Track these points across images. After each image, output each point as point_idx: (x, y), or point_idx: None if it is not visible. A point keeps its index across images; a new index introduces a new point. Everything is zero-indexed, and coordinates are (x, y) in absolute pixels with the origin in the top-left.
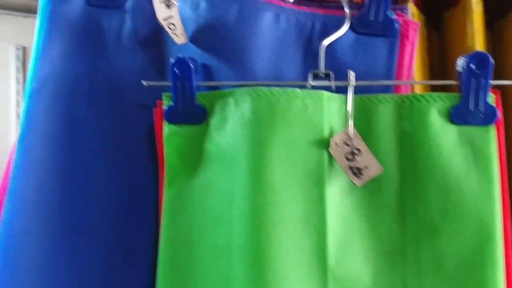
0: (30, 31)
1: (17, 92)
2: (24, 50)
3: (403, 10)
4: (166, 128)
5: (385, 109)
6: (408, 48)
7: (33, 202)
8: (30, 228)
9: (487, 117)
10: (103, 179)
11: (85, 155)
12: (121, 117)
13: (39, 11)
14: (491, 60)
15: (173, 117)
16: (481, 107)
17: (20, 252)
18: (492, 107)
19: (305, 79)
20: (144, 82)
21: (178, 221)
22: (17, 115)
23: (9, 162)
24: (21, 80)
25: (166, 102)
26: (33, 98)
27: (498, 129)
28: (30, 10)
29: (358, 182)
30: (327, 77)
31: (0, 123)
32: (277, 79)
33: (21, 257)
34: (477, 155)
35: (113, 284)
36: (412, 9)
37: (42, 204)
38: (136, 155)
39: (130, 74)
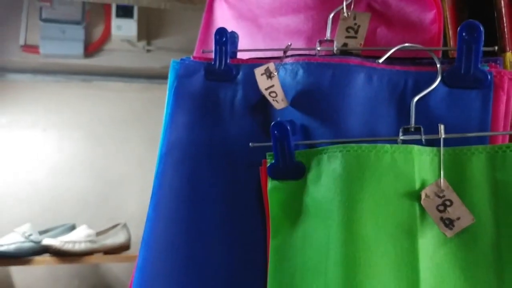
0: None
1: None
2: None
3: (497, 61)
4: (270, 184)
5: (477, 160)
6: (503, 98)
7: (163, 248)
8: (160, 272)
9: None
10: (220, 231)
11: (205, 210)
12: (234, 176)
13: (168, 88)
14: None
15: (275, 173)
16: None
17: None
18: None
19: (395, 133)
20: (250, 144)
21: (283, 268)
22: None
23: None
24: None
25: (269, 160)
26: (163, 160)
27: None
28: None
29: (449, 233)
30: (418, 131)
31: None
32: (371, 136)
33: None
34: None
35: None
36: (510, 58)
37: (170, 251)
38: (247, 210)
39: (241, 138)
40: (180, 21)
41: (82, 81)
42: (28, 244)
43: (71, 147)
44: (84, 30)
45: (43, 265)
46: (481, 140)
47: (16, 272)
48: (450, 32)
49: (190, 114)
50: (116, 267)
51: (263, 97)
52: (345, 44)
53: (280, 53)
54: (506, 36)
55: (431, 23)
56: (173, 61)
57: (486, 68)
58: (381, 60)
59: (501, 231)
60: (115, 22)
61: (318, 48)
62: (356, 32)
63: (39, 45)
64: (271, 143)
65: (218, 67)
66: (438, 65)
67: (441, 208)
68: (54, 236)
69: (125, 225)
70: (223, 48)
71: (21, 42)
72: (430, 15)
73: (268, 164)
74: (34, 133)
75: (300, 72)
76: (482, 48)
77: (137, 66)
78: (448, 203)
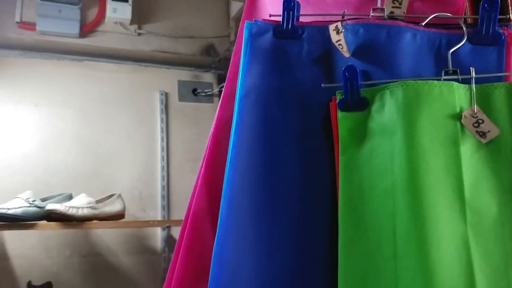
0: (171, 78)
1: (162, 129)
2: (166, 95)
3: (508, 26)
4: (340, 115)
5: (499, 93)
6: None
7: (246, 180)
8: (245, 201)
9: None
10: (295, 161)
11: (281, 145)
12: (303, 113)
13: (243, 43)
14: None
15: (344, 106)
16: None
17: (237, 223)
18: None
19: (439, 75)
20: (322, 85)
21: (351, 178)
22: (162, 148)
23: (201, 166)
24: (164, 120)
25: (339, 97)
26: (241, 102)
27: None
28: (168, 62)
29: (484, 141)
30: (455, 73)
31: (147, 156)
32: (418, 77)
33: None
34: None
35: (306, 234)
36: None
37: (251, 187)
38: (317, 138)
39: (307, 83)
40: (171, 7)
41: (74, 61)
42: (33, 209)
43: (63, 123)
44: (80, 11)
45: (47, 230)
46: (498, 79)
47: (9, 240)
48: (467, 5)
49: (262, 64)
50: (106, 236)
51: (325, 50)
52: (391, 12)
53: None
54: None
55: (459, 0)
56: (247, 22)
57: (501, 31)
58: (423, 23)
59: None
60: (111, 5)
61: (372, 14)
62: (400, 3)
63: (35, 22)
64: (338, 84)
65: (286, 27)
66: (464, 29)
67: (476, 125)
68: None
69: (120, 195)
70: (291, 12)
71: (17, 18)
72: None
73: (338, 100)
74: (27, 108)
75: (361, 30)
76: (498, 16)
77: (128, 48)
78: (480, 121)
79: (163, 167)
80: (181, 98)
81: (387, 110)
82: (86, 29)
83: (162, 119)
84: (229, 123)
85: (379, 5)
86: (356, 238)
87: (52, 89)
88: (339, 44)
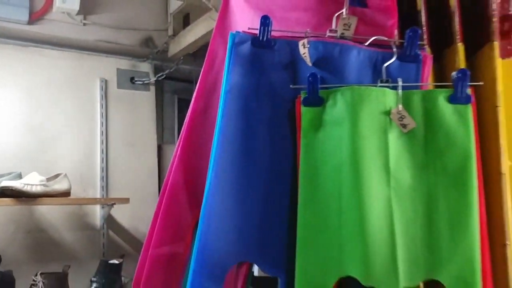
0: (111, 67)
1: (101, 114)
2: (106, 82)
3: (423, 49)
4: (303, 109)
5: (416, 97)
6: (426, 69)
7: (229, 157)
8: (227, 172)
9: (467, 100)
10: (266, 142)
11: (256, 129)
12: (274, 106)
13: (228, 49)
14: (468, 72)
15: (306, 103)
16: (464, 96)
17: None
18: (469, 95)
19: (375, 83)
20: (291, 86)
21: (309, 155)
22: (101, 132)
23: (177, 148)
24: (104, 106)
25: (303, 95)
26: (226, 95)
27: (473, 106)
28: (109, 51)
29: (404, 130)
30: (387, 82)
31: (88, 140)
32: (360, 83)
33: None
34: (462, 118)
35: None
36: (427, 49)
37: (233, 161)
38: (285, 127)
39: (278, 83)
40: (115, 0)
41: (20, 46)
42: None
43: (8, 106)
44: None
45: (1, 206)
46: (416, 88)
47: None
48: (397, 31)
49: (243, 67)
50: (49, 214)
51: (292, 59)
52: (342, 33)
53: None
54: (456, 30)
55: (391, 26)
56: (231, 33)
57: (419, 52)
58: (366, 43)
59: (426, 130)
60: None
61: (328, 34)
62: (349, 27)
63: None
64: (303, 86)
65: (262, 39)
66: (394, 49)
67: (400, 119)
68: None
69: (66, 175)
70: (266, 28)
71: None
72: (391, 22)
73: (302, 98)
74: None
75: (320, 46)
76: (418, 42)
77: (74, 37)
78: (403, 117)
79: (102, 150)
80: (120, 85)
81: (338, 106)
82: (35, 17)
83: (102, 105)
84: (200, 115)
85: (333, 27)
86: (312, 199)
87: None
88: (304, 56)
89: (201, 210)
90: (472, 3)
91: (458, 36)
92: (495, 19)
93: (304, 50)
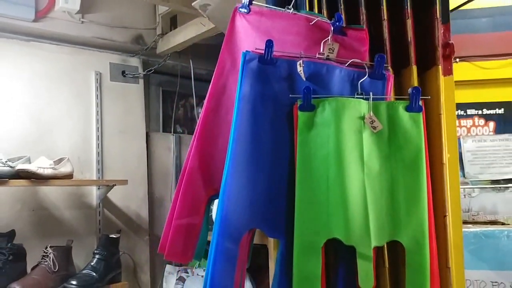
0: (104, 61)
1: (96, 104)
2: (100, 75)
3: (388, 69)
4: (299, 113)
5: (382, 106)
6: (390, 84)
7: (242, 148)
8: (242, 159)
9: (419, 109)
10: (271, 136)
11: (263, 127)
12: (276, 110)
13: (240, 65)
14: (420, 89)
15: (302, 108)
16: (417, 106)
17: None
18: (421, 106)
19: (353, 95)
20: (290, 95)
21: (305, 149)
22: (96, 120)
23: (193, 139)
24: (99, 96)
25: (299, 103)
26: (239, 102)
27: (423, 114)
28: (104, 47)
29: (374, 131)
30: (361, 94)
31: (84, 127)
32: (342, 95)
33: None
34: (416, 122)
35: (276, 181)
36: (390, 69)
37: (246, 150)
38: (285, 126)
39: (279, 92)
40: (110, 1)
41: (23, 40)
42: (6, 168)
43: (12, 95)
44: None
45: (17, 186)
46: (382, 99)
47: None
48: (369, 55)
49: (252, 79)
50: (51, 194)
51: (290, 74)
52: (328, 56)
53: (291, 54)
54: (411, 56)
55: (364, 52)
56: (243, 52)
57: (385, 72)
58: (346, 65)
59: (390, 131)
60: None
61: (317, 56)
62: (333, 51)
63: None
64: (299, 96)
65: (266, 58)
66: (366, 69)
67: (371, 122)
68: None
69: (68, 159)
70: (270, 49)
71: None
72: (364, 48)
73: (298, 105)
74: None
75: (312, 65)
76: (384, 64)
77: (72, 34)
78: (374, 120)
79: (98, 136)
80: (112, 78)
81: (326, 112)
82: (40, 15)
83: (96, 96)
84: (212, 113)
85: (321, 50)
86: (306, 180)
87: (2, 64)
88: (300, 72)
89: (221, 188)
90: (424, 34)
91: (412, 60)
92: (439, 48)
93: (300, 68)
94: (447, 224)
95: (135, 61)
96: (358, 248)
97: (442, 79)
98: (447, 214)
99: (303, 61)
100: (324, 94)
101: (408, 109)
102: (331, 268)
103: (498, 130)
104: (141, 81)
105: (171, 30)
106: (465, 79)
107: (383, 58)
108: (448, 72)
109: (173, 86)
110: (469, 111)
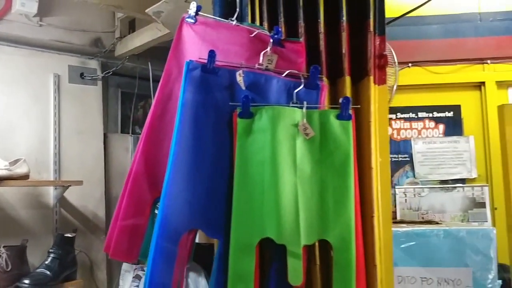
0: (63, 63)
1: (54, 106)
2: (59, 77)
3: (322, 79)
4: (238, 120)
5: (315, 115)
6: (323, 94)
7: (184, 152)
8: (182, 163)
9: (349, 118)
10: (211, 142)
11: (204, 132)
12: (217, 116)
13: (184, 73)
14: (350, 99)
15: (241, 115)
16: (347, 114)
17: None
18: (350, 114)
19: (288, 104)
20: (230, 103)
21: (243, 154)
22: (54, 121)
23: (139, 144)
24: (57, 98)
25: (238, 110)
26: (182, 107)
27: (352, 122)
28: (62, 49)
29: (307, 138)
30: (296, 103)
31: (42, 128)
32: (278, 104)
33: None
34: (345, 130)
35: (215, 184)
36: (325, 79)
37: (187, 155)
38: (225, 132)
39: (220, 100)
40: (68, 4)
41: None
42: None
43: None
44: None
45: None
46: (316, 108)
47: None
48: (305, 66)
49: (194, 86)
50: (7, 194)
51: (230, 83)
52: (267, 66)
53: (233, 64)
54: (345, 67)
55: (301, 63)
56: (186, 61)
57: (319, 82)
58: (283, 75)
59: (321, 136)
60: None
61: (257, 66)
62: (272, 62)
63: None
64: (238, 103)
65: (208, 67)
66: (302, 79)
67: (304, 129)
68: None
69: (25, 160)
70: (212, 59)
71: None
72: (301, 60)
73: (238, 112)
74: None
75: (251, 75)
76: (318, 75)
77: (30, 37)
78: (307, 127)
79: (55, 137)
80: (71, 80)
81: (263, 119)
82: None
83: (55, 97)
84: (158, 118)
85: (261, 61)
86: (243, 182)
87: None
88: (240, 82)
89: (163, 190)
90: (359, 46)
91: (346, 71)
92: (372, 60)
93: (240, 78)
94: (375, 224)
95: (93, 64)
96: (288, 247)
97: (374, 88)
98: (374, 214)
99: (243, 71)
100: (262, 102)
101: (339, 117)
102: (266, 266)
103: (447, 133)
104: (100, 83)
105: (129, 33)
106: (417, 83)
107: (317, 69)
108: (382, 81)
109: (132, 88)
110: (420, 114)
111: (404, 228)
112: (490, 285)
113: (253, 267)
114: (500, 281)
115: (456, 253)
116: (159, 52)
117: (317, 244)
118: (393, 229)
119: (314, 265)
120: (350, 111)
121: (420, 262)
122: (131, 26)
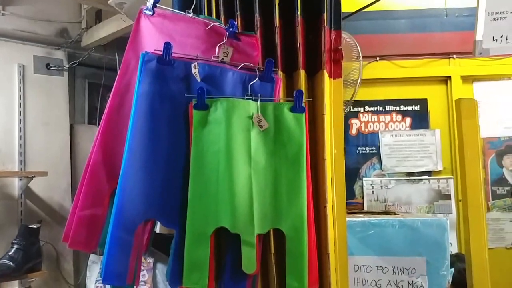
0: (28, 54)
1: (19, 96)
2: (23, 67)
3: (277, 73)
4: (193, 112)
5: (270, 107)
6: (278, 87)
7: (139, 143)
8: (138, 154)
9: (302, 110)
10: (167, 133)
11: (160, 123)
12: (173, 108)
13: (139, 64)
14: (303, 92)
15: (196, 107)
16: (300, 107)
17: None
18: (303, 107)
19: (243, 96)
20: (186, 95)
21: (198, 145)
22: (19, 112)
23: (97, 135)
24: (22, 89)
25: (194, 102)
26: (138, 99)
27: (306, 115)
28: (27, 39)
29: (261, 129)
30: (251, 96)
31: (6, 119)
32: (234, 96)
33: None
34: (299, 122)
35: (171, 175)
36: (280, 73)
37: (142, 146)
38: (180, 123)
39: (176, 91)
40: None
41: None
42: None
43: None
44: None
45: None
46: (271, 101)
47: None
48: (261, 60)
49: (150, 78)
50: None
51: (186, 75)
52: (223, 59)
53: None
54: (300, 61)
55: (256, 56)
56: (142, 53)
57: (273, 75)
58: (238, 68)
59: (276, 128)
60: None
61: (212, 58)
62: (227, 54)
63: None
64: (194, 95)
65: (164, 59)
66: (258, 72)
67: (258, 121)
68: None
69: None
70: (168, 51)
71: None
72: (256, 53)
73: (193, 104)
74: None
75: (206, 67)
76: (273, 68)
77: None
78: (261, 120)
79: (20, 128)
80: (36, 70)
81: (218, 111)
82: None
83: (19, 88)
84: (116, 110)
85: (216, 54)
86: (199, 173)
87: None
88: (195, 74)
89: (119, 181)
90: (314, 40)
91: (300, 64)
92: (326, 54)
93: (195, 70)
94: (327, 214)
95: (60, 54)
96: (242, 236)
97: (328, 82)
98: (327, 204)
99: (198, 63)
100: (217, 94)
101: (292, 110)
102: (221, 255)
103: (414, 126)
104: (66, 73)
105: (96, 24)
106: (384, 77)
107: (272, 62)
108: (337, 75)
109: (99, 79)
110: (388, 107)
111: (360, 218)
112: (443, 273)
113: (208, 255)
114: (452, 269)
115: (411, 242)
116: (126, 43)
117: (272, 233)
118: (350, 219)
119: (269, 253)
120: (304, 104)
121: (376, 251)
122: (98, 16)
